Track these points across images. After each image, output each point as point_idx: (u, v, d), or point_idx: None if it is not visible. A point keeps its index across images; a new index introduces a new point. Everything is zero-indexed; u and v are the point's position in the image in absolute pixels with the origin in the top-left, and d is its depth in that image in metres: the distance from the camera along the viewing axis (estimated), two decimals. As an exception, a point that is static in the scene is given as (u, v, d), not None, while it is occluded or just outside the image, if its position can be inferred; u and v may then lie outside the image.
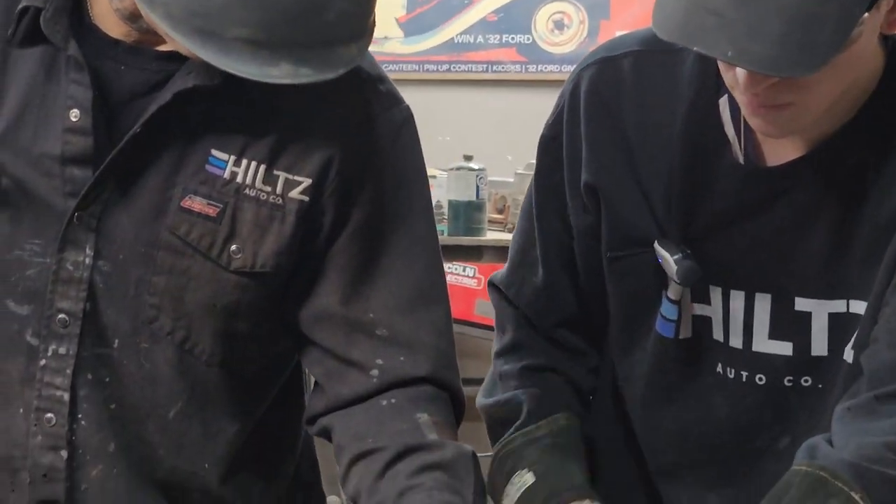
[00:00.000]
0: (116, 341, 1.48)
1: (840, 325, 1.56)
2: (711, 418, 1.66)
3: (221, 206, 1.46)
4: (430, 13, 5.36)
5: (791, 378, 1.60)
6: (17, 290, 1.47)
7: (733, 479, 1.66)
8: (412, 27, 5.36)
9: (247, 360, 1.54)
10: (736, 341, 1.61)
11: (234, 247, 1.47)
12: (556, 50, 5.38)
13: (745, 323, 1.60)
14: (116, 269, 1.46)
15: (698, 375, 1.65)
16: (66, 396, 1.47)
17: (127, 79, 1.47)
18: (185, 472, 1.53)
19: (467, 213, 4.19)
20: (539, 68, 5.38)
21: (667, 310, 1.63)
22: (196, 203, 1.46)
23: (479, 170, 4.22)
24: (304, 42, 1.32)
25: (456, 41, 5.39)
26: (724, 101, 1.56)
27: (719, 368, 1.63)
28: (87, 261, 1.46)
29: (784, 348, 1.59)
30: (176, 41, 1.34)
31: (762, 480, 1.57)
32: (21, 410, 1.48)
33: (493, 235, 4.26)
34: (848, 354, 1.55)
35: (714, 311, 1.61)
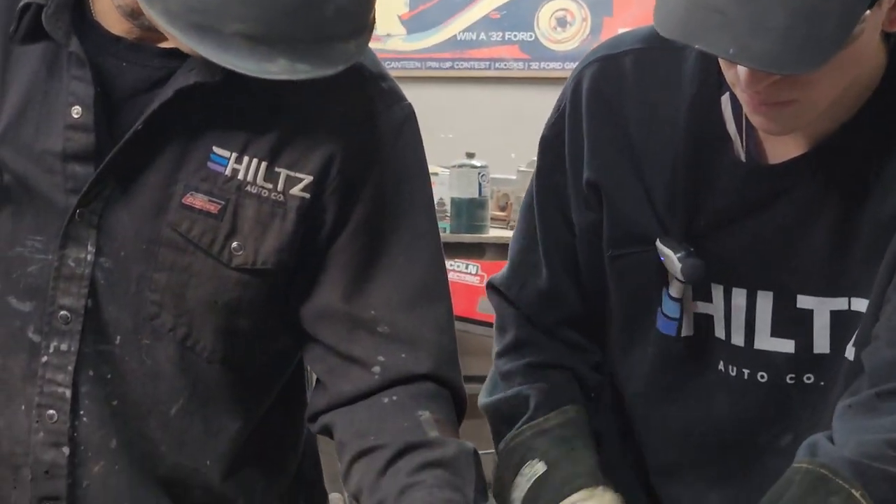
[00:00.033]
0: (118, 338, 1.48)
1: (842, 323, 1.56)
2: (713, 416, 1.65)
3: (223, 202, 1.46)
4: (433, 10, 5.36)
5: (793, 375, 1.60)
6: (18, 287, 1.47)
7: (734, 476, 1.66)
8: (415, 24, 5.36)
9: (248, 357, 1.54)
10: (738, 339, 1.61)
11: (235, 244, 1.47)
12: (558, 47, 5.38)
13: (747, 320, 1.60)
14: (118, 266, 1.47)
15: (700, 373, 1.65)
16: (68, 393, 1.47)
17: (128, 76, 1.47)
18: (187, 468, 1.53)
19: (470, 211, 4.20)
20: (542, 66, 5.38)
21: (668, 308, 1.62)
22: (197, 200, 1.46)
23: (481, 167, 4.23)
24: (302, 38, 1.32)
25: (459, 38, 5.39)
26: (725, 99, 1.56)
27: (721, 366, 1.63)
28: (89, 257, 1.46)
29: (786, 346, 1.59)
30: (173, 37, 1.34)
31: (763, 478, 1.57)
32: (23, 407, 1.48)
33: (495, 233, 4.26)
34: (849, 352, 1.55)
35: (716, 308, 1.61)
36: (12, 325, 1.48)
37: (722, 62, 1.49)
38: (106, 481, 1.49)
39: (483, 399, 1.75)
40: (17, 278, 1.47)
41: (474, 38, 5.40)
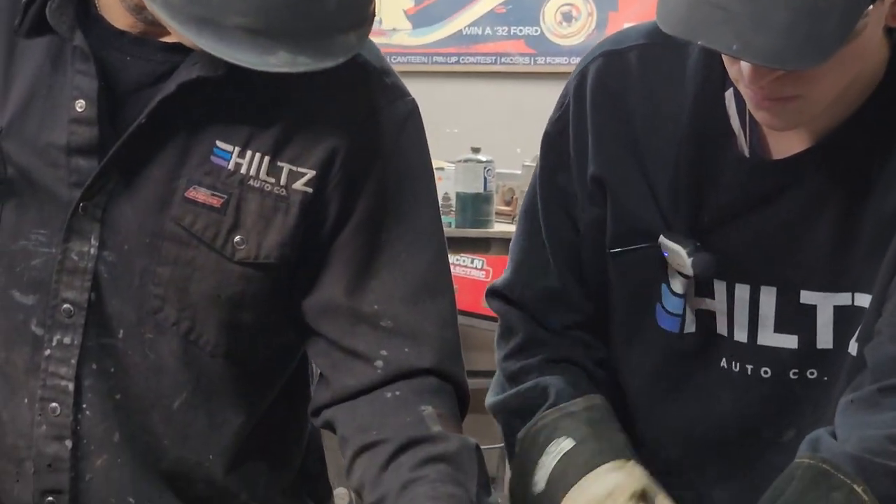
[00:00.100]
0: (121, 331, 1.48)
1: (845, 318, 1.56)
2: (716, 412, 1.65)
3: (226, 196, 1.46)
4: (439, 5, 5.36)
5: (796, 371, 1.60)
6: (22, 280, 1.48)
7: (737, 472, 1.66)
8: (420, 19, 5.35)
9: (252, 351, 1.54)
10: (741, 335, 1.61)
11: (237, 237, 1.47)
12: (564, 42, 5.38)
13: (751, 316, 1.60)
14: (121, 260, 1.47)
15: (703, 370, 1.65)
16: (71, 386, 1.47)
17: (132, 69, 1.47)
18: (190, 462, 1.53)
19: (475, 206, 4.20)
20: (547, 60, 5.39)
21: (671, 304, 1.62)
22: (200, 194, 1.46)
23: (486, 162, 4.23)
24: (302, 30, 1.32)
25: (464, 33, 5.40)
26: (729, 95, 1.56)
27: (724, 362, 1.63)
28: (92, 251, 1.46)
29: (789, 341, 1.59)
30: (174, 30, 1.34)
31: (766, 473, 1.56)
32: (26, 400, 1.48)
33: (500, 227, 4.27)
34: (852, 347, 1.55)
35: (719, 304, 1.61)
36: (16, 319, 1.48)
37: (725, 58, 1.48)
38: (109, 475, 1.50)
39: (492, 399, 1.73)
40: (20, 272, 1.48)
41: (480, 32, 5.40)
